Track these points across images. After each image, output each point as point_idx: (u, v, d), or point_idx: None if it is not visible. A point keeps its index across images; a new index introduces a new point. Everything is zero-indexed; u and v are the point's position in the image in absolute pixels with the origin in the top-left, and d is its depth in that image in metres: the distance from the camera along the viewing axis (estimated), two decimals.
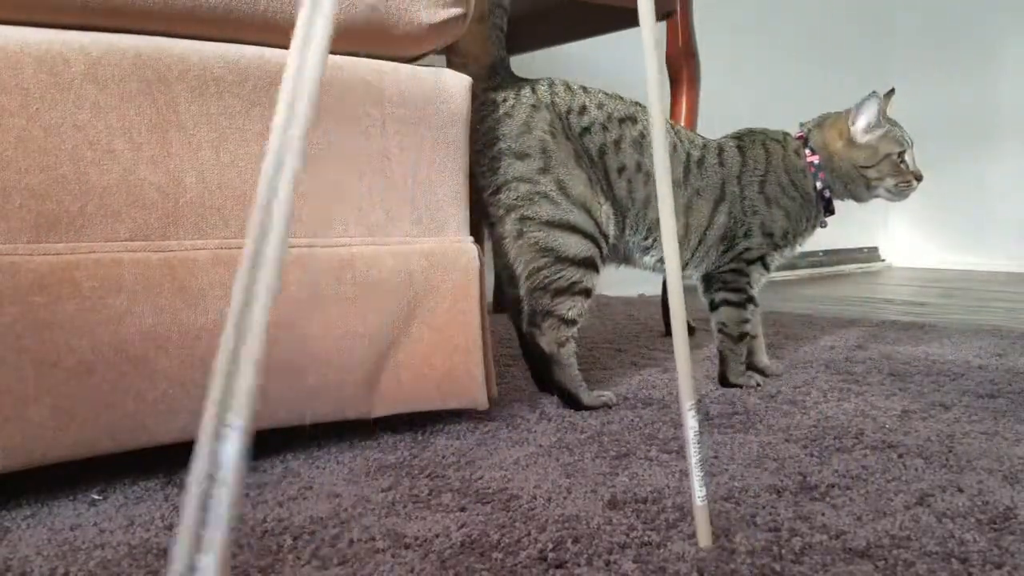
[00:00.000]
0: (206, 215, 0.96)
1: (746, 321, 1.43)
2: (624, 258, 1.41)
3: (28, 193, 0.85)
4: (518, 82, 1.30)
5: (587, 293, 1.28)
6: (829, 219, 1.49)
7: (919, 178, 1.43)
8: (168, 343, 0.92)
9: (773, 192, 1.42)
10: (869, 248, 4.06)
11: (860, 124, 1.42)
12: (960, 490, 0.90)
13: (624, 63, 2.69)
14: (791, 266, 3.51)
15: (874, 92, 1.42)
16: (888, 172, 1.42)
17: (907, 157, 1.42)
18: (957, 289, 3.06)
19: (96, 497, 0.90)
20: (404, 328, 1.09)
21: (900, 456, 1.03)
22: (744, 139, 1.47)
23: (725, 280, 1.43)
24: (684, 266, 1.44)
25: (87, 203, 0.88)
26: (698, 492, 0.76)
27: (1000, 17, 3.70)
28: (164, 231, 0.93)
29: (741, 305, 1.43)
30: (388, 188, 1.08)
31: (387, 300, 1.07)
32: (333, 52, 1.04)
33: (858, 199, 1.48)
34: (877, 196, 1.47)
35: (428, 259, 1.10)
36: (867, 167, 1.42)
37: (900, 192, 1.44)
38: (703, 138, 1.46)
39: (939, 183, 3.73)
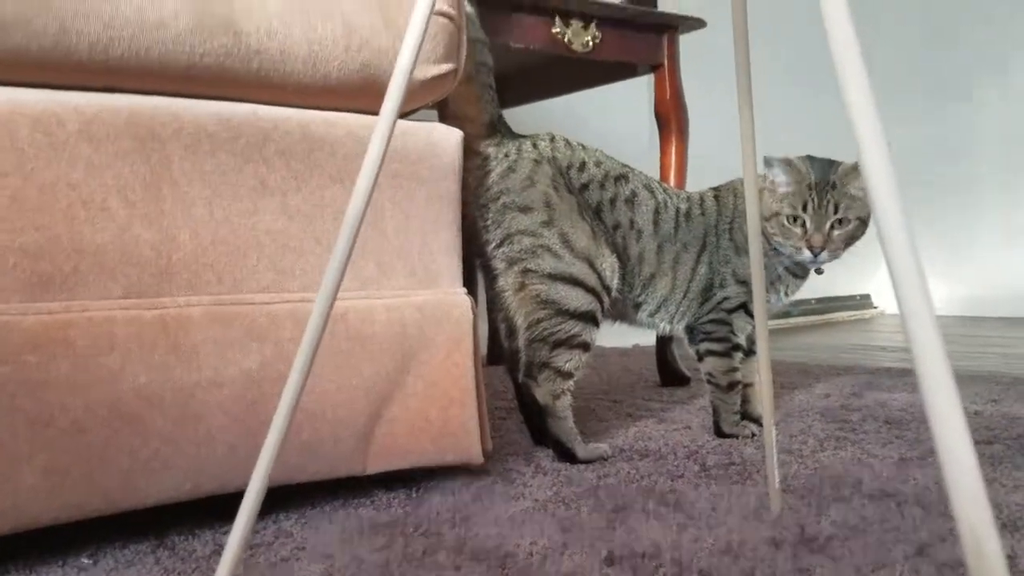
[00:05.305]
0: (200, 271, 0.96)
1: (734, 370, 1.43)
2: (619, 315, 1.42)
3: (22, 253, 0.85)
4: (518, 138, 1.32)
5: (586, 347, 1.28)
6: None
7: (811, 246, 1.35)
8: (161, 401, 0.92)
9: (740, 239, 1.43)
10: (861, 295, 4.07)
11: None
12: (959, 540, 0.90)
13: (610, 117, 2.73)
14: (784, 314, 3.51)
15: (764, 158, 1.35)
16: (777, 231, 1.37)
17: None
18: (951, 335, 3.06)
19: (86, 561, 0.89)
20: (398, 381, 1.08)
21: (898, 505, 1.02)
22: (722, 188, 1.49)
23: (707, 331, 1.43)
24: (671, 319, 1.44)
25: (81, 261, 0.88)
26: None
27: (977, 58, 3.76)
28: (158, 288, 0.93)
29: (726, 354, 1.42)
30: (381, 242, 1.09)
31: (381, 353, 1.07)
32: (325, 108, 1.06)
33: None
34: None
35: (421, 311, 1.10)
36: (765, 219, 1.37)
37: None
38: (688, 192, 1.48)
39: (928, 228, 3.77)
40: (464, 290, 1.16)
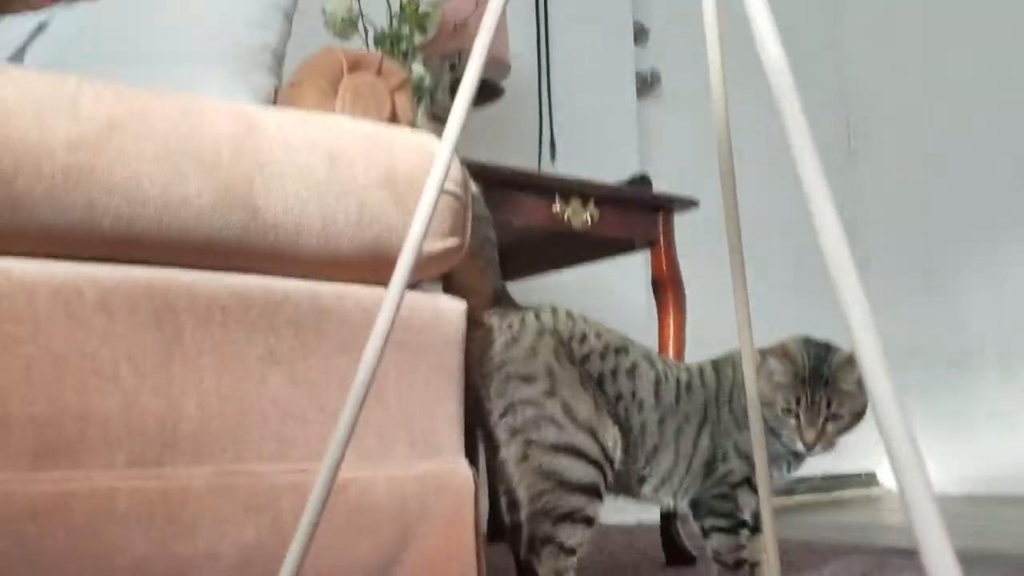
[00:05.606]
0: (204, 441, 0.96)
1: (740, 547, 1.39)
2: (623, 489, 1.40)
3: (31, 421, 0.86)
4: (522, 310, 1.36)
5: (589, 521, 1.26)
6: None
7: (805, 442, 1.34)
8: (156, 573, 0.90)
9: (739, 413, 1.42)
10: (867, 473, 4.01)
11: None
12: None
13: (609, 289, 2.78)
14: (789, 491, 3.45)
15: (759, 350, 1.36)
16: (772, 419, 1.36)
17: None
18: (957, 514, 3.00)
19: None
20: (396, 555, 1.06)
21: None
22: (720, 360, 1.50)
23: (711, 506, 1.41)
24: (675, 493, 1.42)
25: (87, 430, 0.89)
26: None
27: (966, 247, 3.86)
28: (160, 458, 0.93)
29: (732, 531, 1.40)
30: (383, 412, 1.09)
31: (379, 526, 1.05)
32: (336, 280, 1.09)
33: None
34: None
35: (422, 483, 1.09)
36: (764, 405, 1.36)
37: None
38: (687, 364, 1.49)
39: (925, 410, 3.77)
40: (466, 461, 1.16)
